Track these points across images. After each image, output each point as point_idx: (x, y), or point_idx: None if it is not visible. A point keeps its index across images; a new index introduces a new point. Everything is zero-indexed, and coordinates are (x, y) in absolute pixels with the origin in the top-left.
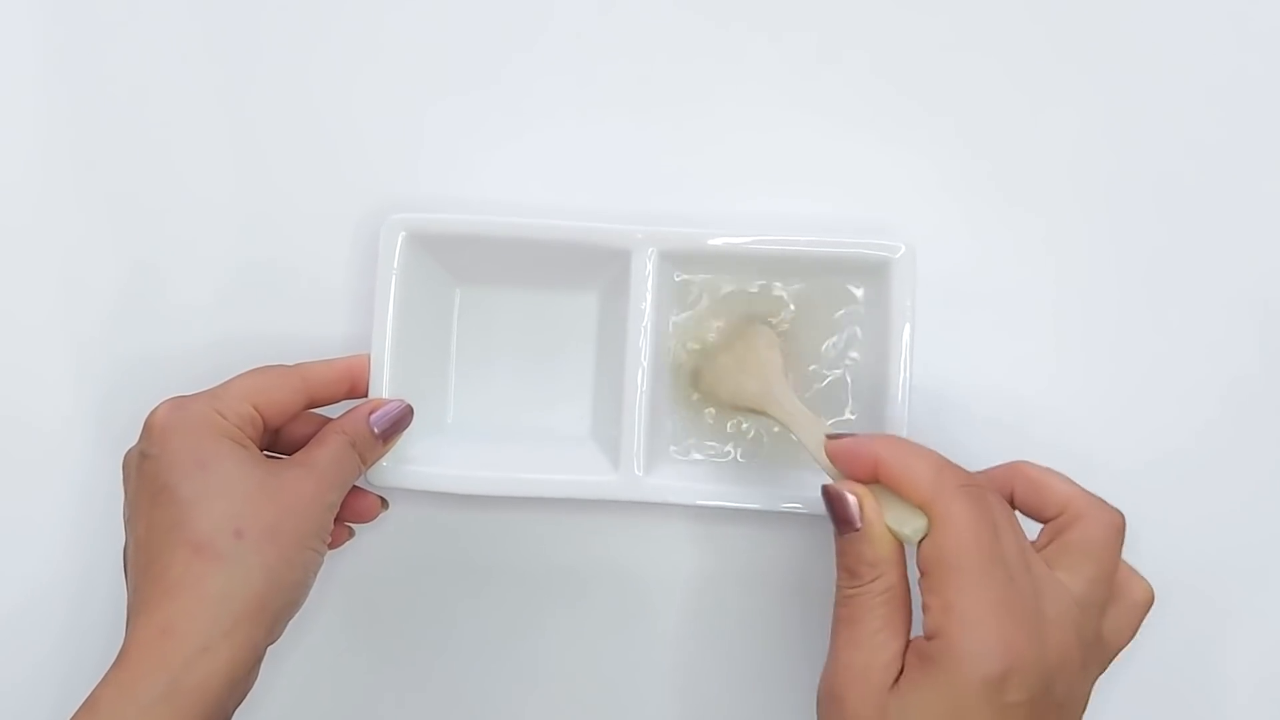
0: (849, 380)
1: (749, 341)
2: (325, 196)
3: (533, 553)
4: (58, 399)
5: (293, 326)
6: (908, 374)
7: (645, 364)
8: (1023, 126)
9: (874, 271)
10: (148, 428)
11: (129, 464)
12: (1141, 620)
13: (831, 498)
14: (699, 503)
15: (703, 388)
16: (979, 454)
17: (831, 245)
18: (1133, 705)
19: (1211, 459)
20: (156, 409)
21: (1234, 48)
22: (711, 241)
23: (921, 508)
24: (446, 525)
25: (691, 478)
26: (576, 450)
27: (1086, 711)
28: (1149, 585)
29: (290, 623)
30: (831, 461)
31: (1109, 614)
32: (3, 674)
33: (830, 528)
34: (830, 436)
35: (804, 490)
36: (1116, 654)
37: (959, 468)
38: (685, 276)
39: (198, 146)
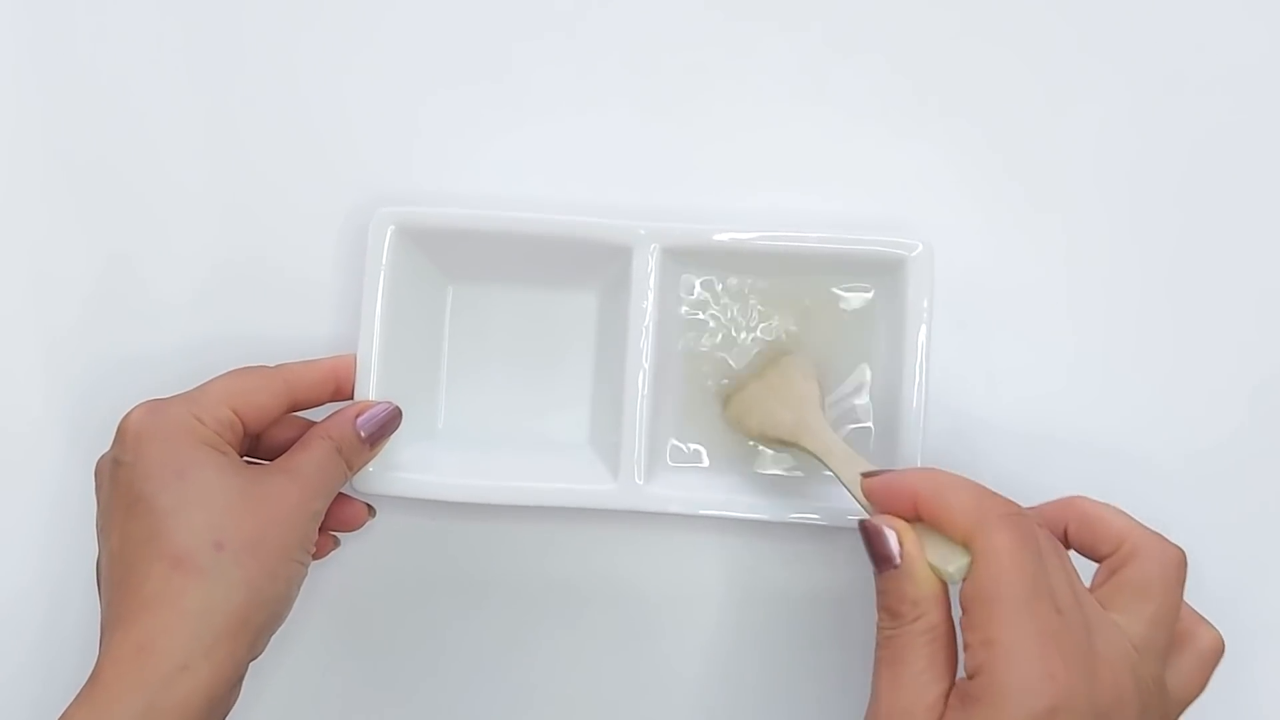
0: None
1: (784, 370)
2: (312, 189)
3: (527, 565)
4: (26, 401)
5: (275, 325)
6: (924, 378)
7: (647, 366)
8: (1041, 120)
9: (888, 270)
10: (121, 433)
11: (102, 472)
12: (1211, 671)
13: (869, 533)
14: (703, 513)
15: (729, 414)
16: (995, 459)
17: (844, 242)
18: None
19: (1240, 465)
20: (130, 413)
21: (1263, 41)
22: (717, 237)
23: (963, 542)
24: (436, 536)
25: (695, 487)
26: (574, 457)
27: None
28: (1218, 633)
29: (273, 637)
30: (868, 499)
31: (1173, 663)
32: None
33: (867, 564)
34: (866, 474)
35: (814, 500)
36: (1184, 709)
37: (1003, 498)
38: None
39: (177, 134)
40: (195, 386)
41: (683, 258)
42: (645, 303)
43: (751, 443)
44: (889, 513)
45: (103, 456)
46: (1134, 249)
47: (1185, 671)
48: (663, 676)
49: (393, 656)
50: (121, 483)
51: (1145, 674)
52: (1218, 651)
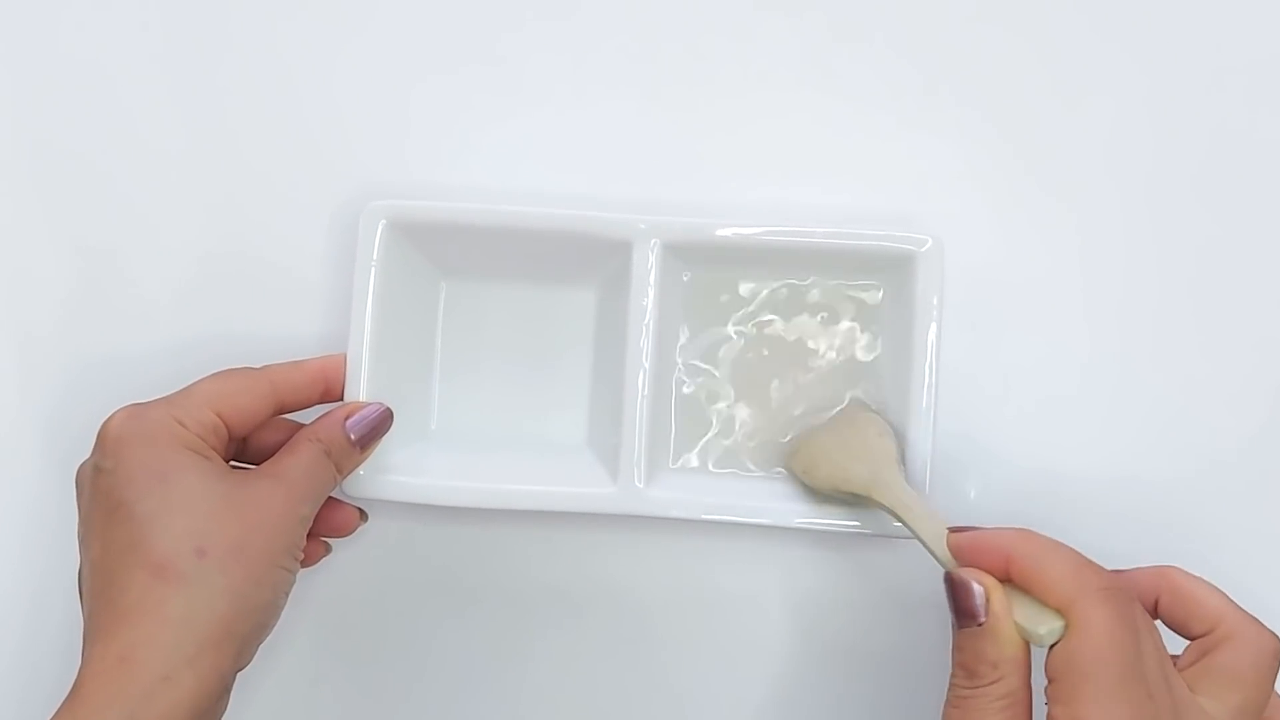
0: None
1: (858, 427)
2: (300, 181)
3: (523, 572)
4: (2, 405)
5: (262, 324)
6: (934, 378)
7: (647, 366)
8: (1055, 109)
9: (897, 266)
10: (102, 438)
11: (82, 478)
12: None
13: (955, 586)
14: (705, 517)
15: (796, 464)
16: (1006, 460)
17: (852, 237)
18: None
19: (1263, 467)
20: (111, 417)
21: None
22: (720, 232)
23: (1058, 610)
24: (430, 541)
25: (696, 490)
26: (572, 460)
27: None
28: None
29: (261, 647)
30: (956, 556)
31: None
32: None
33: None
34: (953, 529)
35: (820, 505)
36: None
37: (1101, 568)
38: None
39: (160, 124)
40: (178, 389)
41: (684, 253)
42: (646, 300)
43: (815, 493)
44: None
45: (83, 463)
46: (1151, 243)
47: None
48: (664, 689)
49: (384, 667)
50: (102, 489)
51: None
52: None
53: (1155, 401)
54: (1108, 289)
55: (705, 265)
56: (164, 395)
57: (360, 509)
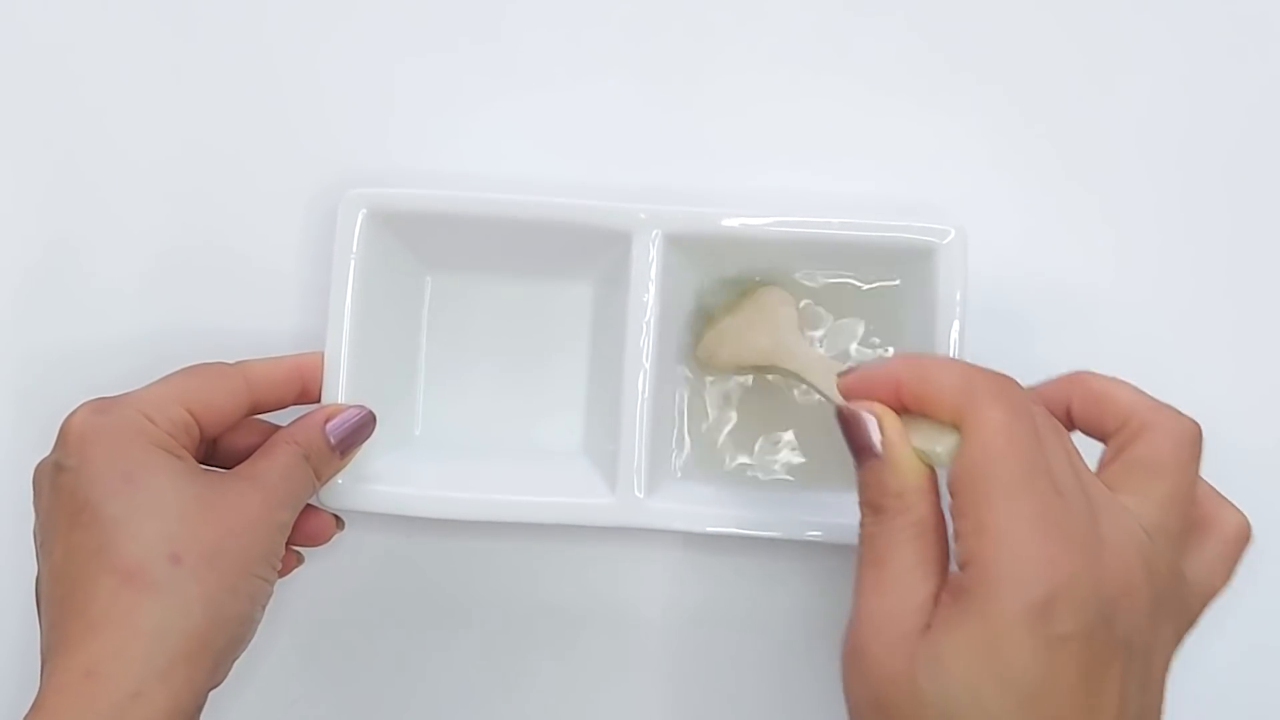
0: None
1: (759, 301)
2: (274, 166)
3: (515, 588)
4: None
5: (234, 317)
6: None
7: (648, 366)
8: (1084, 91)
9: (917, 259)
10: (64, 434)
11: (41, 478)
12: (1237, 559)
13: (845, 420)
14: (709, 530)
15: (699, 354)
16: None
17: (867, 229)
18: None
19: None
20: (74, 412)
21: None
22: (725, 223)
23: (951, 422)
24: (414, 555)
25: (700, 501)
26: (567, 468)
27: (1171, 678)
28: (1243, 516)
29: (235, 663)
30: (846, 397)
31: (1192, 549)
32: None
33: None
34: (842, 372)
35: (827, 515)
36: (1207, 602)
37: (993, 371)
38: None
39: (124, 106)
40: (146, 384)
41: (687, 244)
42: (646, 295)
43: (711, 379)
44: None
45: (42, 461)
46: (1185, 233)
47: (1207, 560)
48: (664, 708)
49: (366, 688)
50: (64, 489)
51: (1158, 561)
52: (1243, 537)
53: (1191, 401)
54: (1140, 281)
55: (710, 257)
56: (130, 390)
57: (337, 516)
